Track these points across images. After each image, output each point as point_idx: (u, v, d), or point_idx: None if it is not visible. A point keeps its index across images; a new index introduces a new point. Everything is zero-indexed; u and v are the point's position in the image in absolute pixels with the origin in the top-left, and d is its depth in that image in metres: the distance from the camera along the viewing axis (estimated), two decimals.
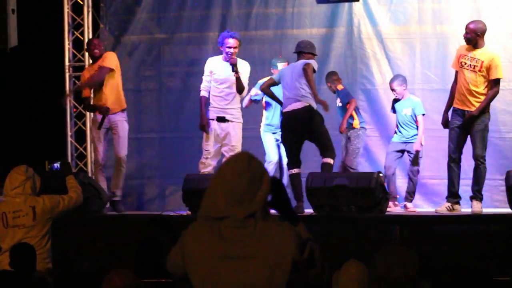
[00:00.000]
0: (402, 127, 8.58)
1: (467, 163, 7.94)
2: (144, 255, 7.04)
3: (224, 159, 8.07)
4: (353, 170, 8.60)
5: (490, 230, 6.94)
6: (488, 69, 7.54)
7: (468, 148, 7.75)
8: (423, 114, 8.53)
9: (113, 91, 8.49)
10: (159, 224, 7.27)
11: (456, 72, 7.78)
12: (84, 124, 9.91)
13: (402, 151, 8.59)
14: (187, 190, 7.79)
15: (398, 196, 8.59)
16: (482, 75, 7.57)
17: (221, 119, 8.18)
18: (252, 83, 8.54)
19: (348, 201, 7.38)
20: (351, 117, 8.78)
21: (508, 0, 9.08)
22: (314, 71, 7.93)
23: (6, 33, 8.68)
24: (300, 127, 7.92)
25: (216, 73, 8.18)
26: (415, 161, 8.53)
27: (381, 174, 7.60)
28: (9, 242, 5.64)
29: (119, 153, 8.51)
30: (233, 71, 8.04)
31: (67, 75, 9.96)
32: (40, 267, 5.54)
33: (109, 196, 8.39)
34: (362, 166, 9.11)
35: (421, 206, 8.83)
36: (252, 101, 8.74)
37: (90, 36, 9.84)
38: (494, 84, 7.59)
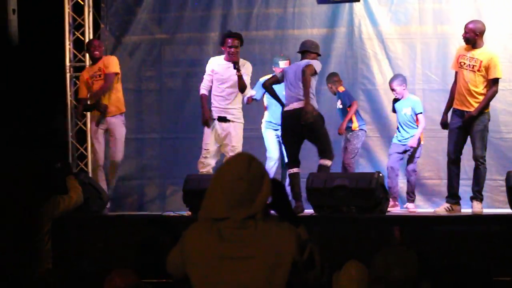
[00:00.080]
0: (402, 127, 8.58)
1: (467, 164, 7.94)
2: (144, 255, 7.03)
3: (224, 159, 8.06)
4: (350, 169, 8.61)
5: (491, 230, 6.95)
6: (487, 68, 7.55)
7: (468, 148, 7.75)
8: (420, 113, 8.53)
9: (112, 94, 8.53)
10: (160, 224, 7.27)
11: (456, 73, 7.78)
12: (85, 124, 9.89)
13: (404, 152, 8.59)
14: (187, 191, 7.79)
15: (398, 198, 8.60)
16: (481, 75, 7.57)
17: (222, 119, 8.17)
18: (253, 84, 8.53)
19: (348, 201, 7.38)
20: (350, 120, 8.78)
21: (509, 1, 9.08)
22: (315, 72, 7.90)
23: (7, 33, 8.68)
24: (300, 127, 7.90)
25: (218, 72, 8.18)
26: (410, 159, 8.53)
27: (381, 174, 7.60)
28: None
29: (114, 157, 8.54)
30: (234, 68, 8.03)
31: (67, 75, 9.95)
32: (40, 267, 5.54)
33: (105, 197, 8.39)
34: (362, 166, 9.11)
35: (421, 206, 8.83)
36: (253, 99, 8.71)
37: (91, 37, 9.82)
38: (493, 84, 7.60)
